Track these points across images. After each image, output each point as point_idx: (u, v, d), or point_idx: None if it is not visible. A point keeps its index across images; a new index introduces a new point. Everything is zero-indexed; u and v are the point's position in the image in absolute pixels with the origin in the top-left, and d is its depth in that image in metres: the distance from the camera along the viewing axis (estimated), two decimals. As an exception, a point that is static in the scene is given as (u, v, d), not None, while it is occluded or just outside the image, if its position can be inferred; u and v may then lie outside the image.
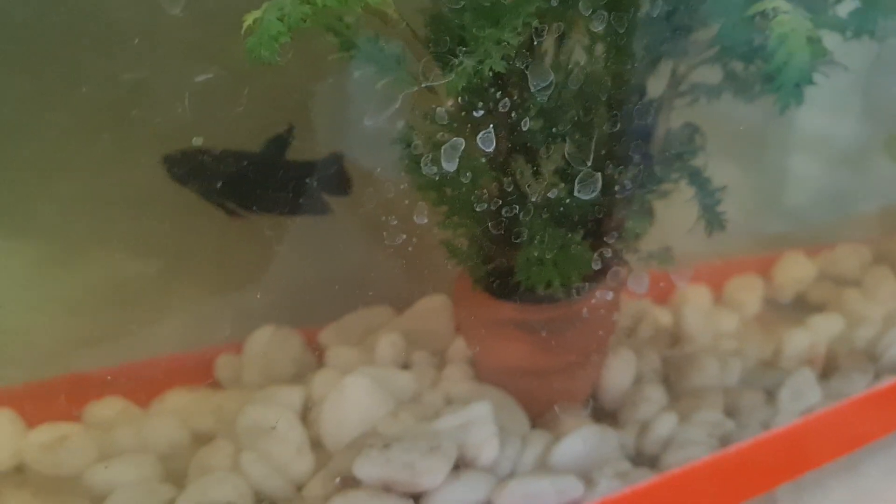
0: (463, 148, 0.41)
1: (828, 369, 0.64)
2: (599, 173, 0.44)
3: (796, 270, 0.76)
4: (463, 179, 0.45)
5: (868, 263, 0.78)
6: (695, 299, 0.71)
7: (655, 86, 0.53)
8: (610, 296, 0.53)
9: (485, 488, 0.45)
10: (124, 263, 0.58)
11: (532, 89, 0.41)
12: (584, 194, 0.44)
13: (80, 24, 0.49)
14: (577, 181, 0.44)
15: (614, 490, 0.48)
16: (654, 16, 0.48)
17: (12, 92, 0.51)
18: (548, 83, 0.41)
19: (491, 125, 0.43)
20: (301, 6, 0.37)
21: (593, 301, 0.53)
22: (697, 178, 0.53)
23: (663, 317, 0.66)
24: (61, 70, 0.51)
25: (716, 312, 0.70)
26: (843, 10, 0.53)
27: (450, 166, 0.41)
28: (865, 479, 0.60)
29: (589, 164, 0.45)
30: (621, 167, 0.49)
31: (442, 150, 0.41)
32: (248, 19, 0.38)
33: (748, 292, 0.73)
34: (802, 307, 0.75)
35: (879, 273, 0.76)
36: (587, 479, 0.48)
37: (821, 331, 0.68)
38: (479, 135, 0.42)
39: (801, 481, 0.58)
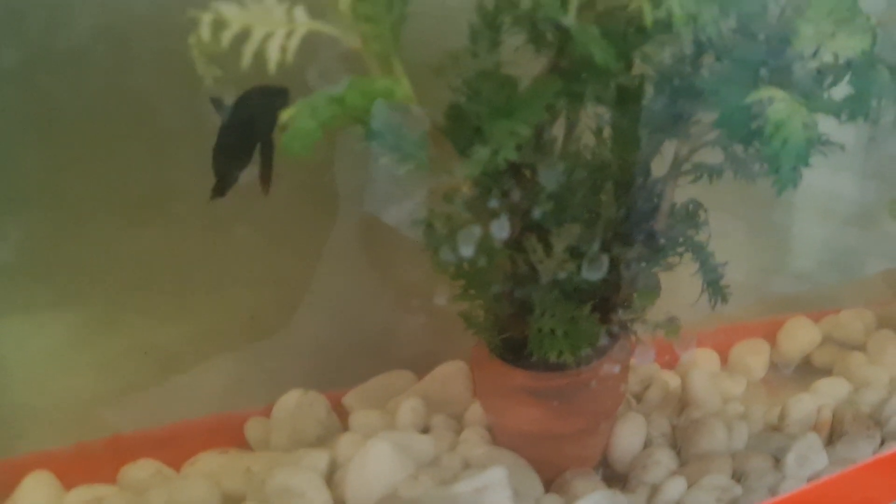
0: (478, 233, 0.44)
1: (834, 434, 0.66)
2: (606, 254, 0.47)
3: (802, 335, 0.79)
4: (478, 259, 0.48)
5: (872, 328, 0.80)
6: (702, 363, 0.73)
7: (661, 165, 0.56)
8: (618, 365, 0.56)
9: (501, 551, 0.48)
10: (158, 328, 0.62)
11: (541, 179, 0.45)
12: (592, 275, 0.47)
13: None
14: (585, 262, 0.47)
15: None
16: (658, 104, 0.51)
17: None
18: (556, 173, 0.45)
19: (504, 214, 0.46)
20: (331, 106, 0.41)
21: (602, 369, 0.56)
22: (700, 253, 0.55)
23: (672, 381, 0.68)
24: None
25: (723, 377, 0.72)
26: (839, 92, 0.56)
27: (467, 251, 0.44)
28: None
29: (596, 246, 0.48)
30: (627, 245, 0.53)
31: (459, 237, 0.44)
32: (284, 116, 0.42)
33: (755, 356, 0.75)
34: (808, 371, 0.77)
35: (883, 337, 0.78)
36: (599, 542, 0.50)
37: (826, 395, 0.70)
38: (494, 224, 0.45)
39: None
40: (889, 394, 0.71)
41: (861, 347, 0.79)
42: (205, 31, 0.40)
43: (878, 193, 0.87)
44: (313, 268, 0.64)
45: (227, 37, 0.41)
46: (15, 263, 0.54)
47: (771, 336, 0.80)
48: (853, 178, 0.84)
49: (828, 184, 0.83)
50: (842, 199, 0.85)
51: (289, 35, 0.42)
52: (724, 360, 0.77)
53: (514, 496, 0.50)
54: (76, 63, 0.52)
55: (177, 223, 0.60)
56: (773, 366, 0.77)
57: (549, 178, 0.46)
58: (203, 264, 0.62)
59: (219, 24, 0.41)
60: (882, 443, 0.66)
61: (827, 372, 0.76)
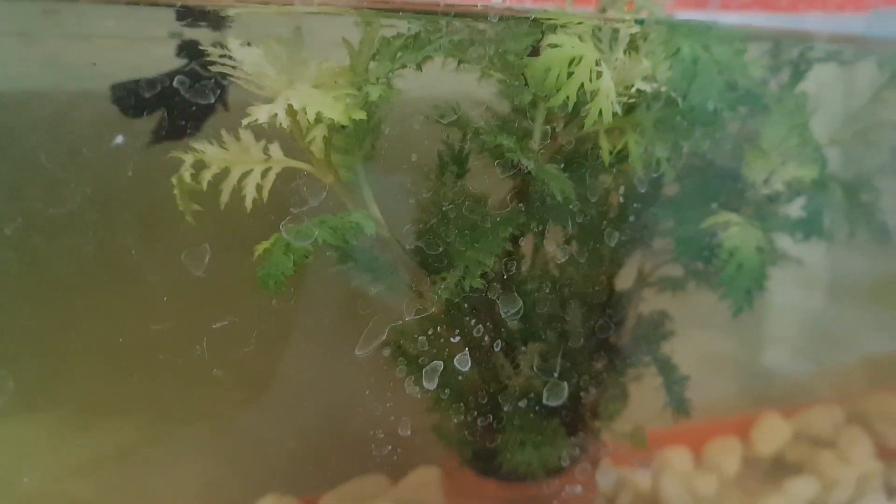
0: (441, 369, 0.46)
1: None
2: (565, 383, 0.49)
3: (773, 431, 0.80)
4: (451, 378, 0.50)
5: (842, 424, 0.82)
6: (676, 461, 0.74)
7: (628, 279, 0.58)
8: (587, 474, 0.57)
9: None
10: (133, 428, 0.63)
11: (503, 315, 0.47)
12: (553, 401, 0.49)
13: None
14: (545, 391, 0.49)
15: None
16: (622, 227, 0.54)
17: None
18: (517, 309, 0.47)
19: (472, 334, 0.48)
20: (304, 242, 0.43)
21: (572, 477, 0.57)
22: (664, 366, 0.57)
23: (644, 482, 0.69)
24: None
25: (695, 475, 0.73)
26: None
27: (430, 385, 0.46)
28: None
29: (556, 374, 0.50)
30: (593, 360, 0.54)
31: (423, 373, 0.46)
32: (259, 249, 0.44)
33: (727, 454, 0.77)
34: (780, 468, 0.78)
35: (853, 434, 0.80)
36: None
37: (796, 496, 0.71)
38: (456, 357, 0.47)
39: None
40: (856, 493, 0.72)
41: (831, 444, 0.80)
42: (186, 172, 0.43)
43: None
44: (291, 371, 0.65)
45: (206, 176, 0.43)
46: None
47: (744, 432, 0.81)
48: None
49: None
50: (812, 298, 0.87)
51: (265, 172, 0.44)
52: (698, 455, 0.78)
53: None
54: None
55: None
56: (746, 462, 0.78)
57: (513, 302, 0.47)
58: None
59: (199, 165, 0.43)
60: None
61: (798, 469, 0.77)
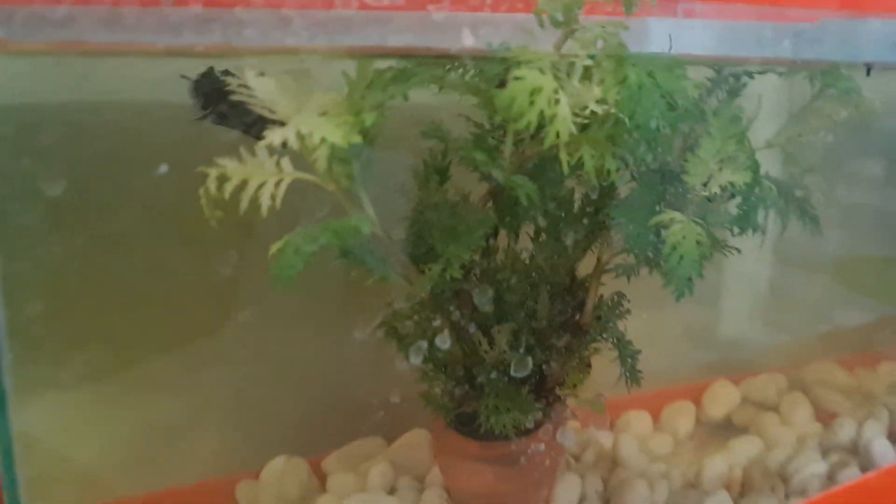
0: (425, 347, 0.55)
1: (744, 490, 0.76)
2: (529, 357, 0.58)
3: (723, 397, 0.90)
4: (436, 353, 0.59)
5: (785, 390, 0.91)
6: (635, 424, 0.84)
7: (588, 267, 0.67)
8: (568, 437, 0.66)
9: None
10: (161, 402, 0.72)
11: (477, 303, 0.56)
12: (519, 373, 0.58)
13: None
14: (512, 364, 0.58)
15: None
16: (582, 224, 0.62)
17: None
18: (487, 297, 0.56)
19: (455, 317, 0.57)
20: (310, 244, 0.51)
21: (541, 438, 0.66)
22: (620, 342, 0.66)
23: (608, 441, 0.79)
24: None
25: (653, 436, 0.83)
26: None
27: (416, 360, 0.55)
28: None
29: (521, 350, 0.59)
30: (558, 337, 0.63)
31: (409, 350, 0.55)
32: (273, 249, 0.52)
33: (682, 417, 0.86)
34: (729, 429, 0.88)
35: (794, 399, 0.89)
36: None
37: (740, 454, 0.81)
38: (437, 337, 0.56)
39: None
40: (795, 452, 0.82)
41: (774, 408, 0.90)
42: (211, 184, 0.51)
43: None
44: (301, 351, 0.74)
45: (228, 188, 0.51)
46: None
47: (698, 398, 0.91)
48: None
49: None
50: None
51: (278, 184, 0.53)
52: (657, 418, 0.88)
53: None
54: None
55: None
56: (699, 424, 0.87)
57: (484, 293, 0.56)
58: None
59: (222, 178, 0.51)
60: (786, 497, 0.77)
61: (744, 430, 0.87)
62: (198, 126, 0.54)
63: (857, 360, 0.97)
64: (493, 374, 0.62)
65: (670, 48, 0.59)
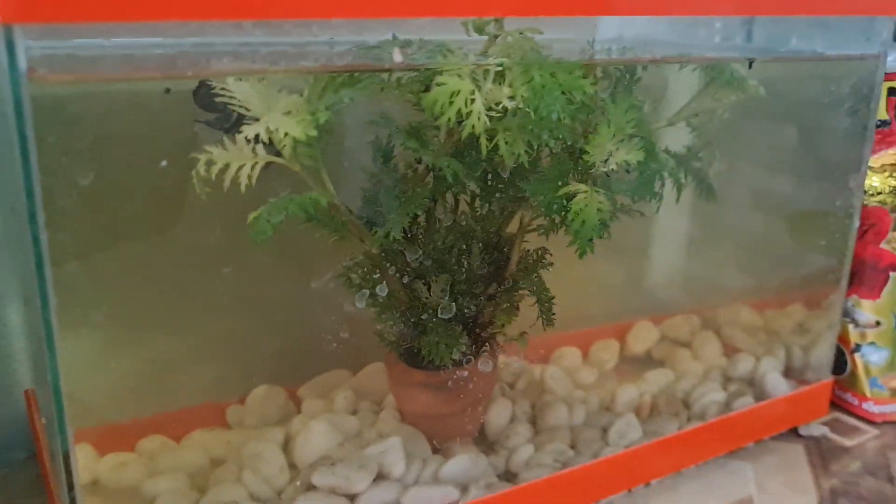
0: (370, 295, 0.70)
1: (652, 413, 0.91)
2: (454, 302, 0.73)
3: (645, 334, 1.04)
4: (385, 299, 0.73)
5: (698, 329, 1.06)
6: (567, 358, 0.98)
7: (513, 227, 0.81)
8: (486, 365, 0.81)
9: (394, 493, 0.73)
10: (167, 341, 0.85)
11: (409, 258, 0.70)
12: (445, 315, 0.72)
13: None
14: (439, 308, 0.72)
15: (481, 496, 0.75)
16: (506, 194, 0.76)
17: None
18: (418, 256, 0.70)
19: (400, 269, 0.72)
20: (279, 213, 0.65)
21: (477, 368, 0.81)
22: (538, 289, 0.80)
23: (538, 373, 0.93)
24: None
25: (581, 368, 0.98)
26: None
27: (360, 305, 0.70)
28: (681, 496, 0.87)
29: (454, 297, 0.73)
30: (488, 285, 0.78)
31: (357, 296, 0.69)
32: (250, 218, 0.66)
33: (607, 352, 1.01)
34: (647, 362, 1.02)
35: (705, 336, 1.04)
36: (464, 488, 0.76)
37: (653, 383, 0.95)
38: (377, 287, 0.70)
39: (632, 497, 0.85)
40: (699, 382, 0.97)
41: (688, 345, 1.04)
42: (201, 167, 0.64)
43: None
44: (280, 297, 0.88)
45: (214, 170, 0.65)
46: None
47: (623, 336, 1.05)
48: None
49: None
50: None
51: (254, 166, 0.66)
52: (587, 355, 1.02)
53: (407, 457, 0.75)
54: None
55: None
56: (622, 359, 1.02)
57: (416, 251, 0.71)
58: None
59: (209, 162, 0.64)
60: (688, 420, 0.92)
61: (661, 364, 1.01)
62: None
63: (768, 302, 1.11)
64: (435, 317, 0.76)
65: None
